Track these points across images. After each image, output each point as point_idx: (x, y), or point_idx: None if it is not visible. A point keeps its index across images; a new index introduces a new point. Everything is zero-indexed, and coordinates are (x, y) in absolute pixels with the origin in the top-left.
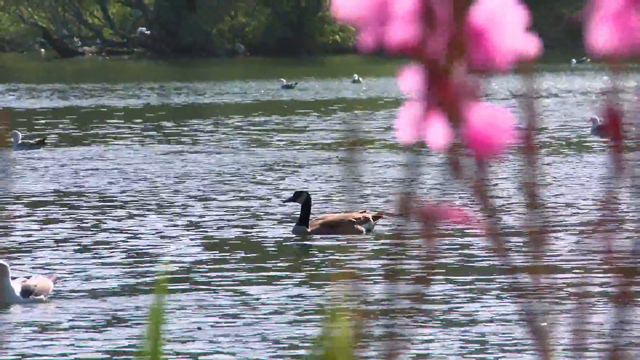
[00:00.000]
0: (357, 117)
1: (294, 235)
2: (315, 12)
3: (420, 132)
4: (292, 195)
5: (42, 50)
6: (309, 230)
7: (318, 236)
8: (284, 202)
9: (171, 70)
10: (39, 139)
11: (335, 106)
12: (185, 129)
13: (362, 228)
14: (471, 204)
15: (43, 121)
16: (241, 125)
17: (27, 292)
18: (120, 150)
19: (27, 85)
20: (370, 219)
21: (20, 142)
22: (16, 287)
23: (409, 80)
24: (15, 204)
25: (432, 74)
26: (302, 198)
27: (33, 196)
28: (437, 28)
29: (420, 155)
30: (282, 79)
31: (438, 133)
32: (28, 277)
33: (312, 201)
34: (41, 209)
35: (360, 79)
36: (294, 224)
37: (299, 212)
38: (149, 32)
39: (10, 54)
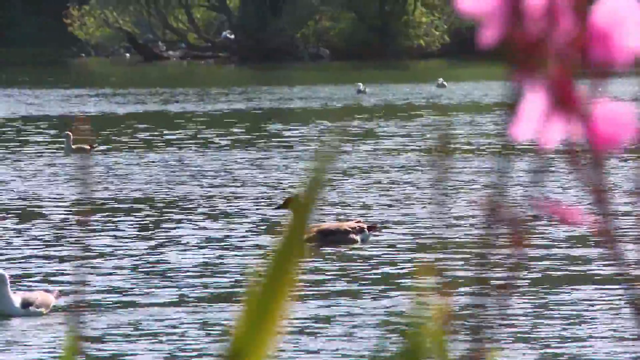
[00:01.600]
0: (443, 122)
1: None
2: (400, 16)
3: (537, 131)
4: (282, 202)
5: (127, 54)
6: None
7: (312, 245)
8: (275, 209)
9: (255, 75)
10: (90, 143)
11: (421, 111)
12: (266, 134)
13: (357, 237)
14: (584, 205)
15: (123, 126)
16: (317, 130)
17: (27, 303)
18: (204, 155)
19: (111, 90)
20: (365, 229)
21: (73, 146)
22: (16, 298)
23: (524, 80)
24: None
25: (552, 73)
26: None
27: (113, 201)
28: (559, 26)
29: (509, 159)
30: (359, 84)
31: (555, 132)
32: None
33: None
34: (111, 214)
35: (445, 83)
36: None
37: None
38: (233, 36)
39: (95, 59)
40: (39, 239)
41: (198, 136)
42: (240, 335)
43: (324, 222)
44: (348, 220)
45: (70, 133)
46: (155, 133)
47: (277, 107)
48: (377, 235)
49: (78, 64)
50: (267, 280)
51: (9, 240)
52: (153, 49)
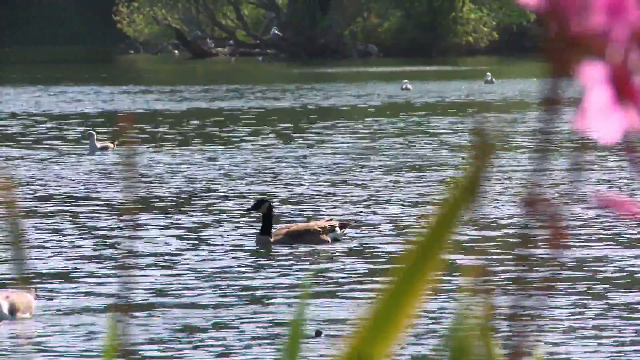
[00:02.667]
0: (490, 119)
1: (258, 247)
2: (448, 13)
3: (598, 124)
4: (253, 204)
5: (176, 51)
6: (272, 240)
7: (283, 246)
8: (246, 211)
9: (303, 72)
10: (115, 140)
11: (466, 108)
12: (315, 131)
13: (327, 237)
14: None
15: (169, 122)
16: (369, 127)
17: (13, 309)
18: (251, 152)
19: (159, 87)
20: (337, 228)
21: (98, 145)
22: (4, 303)
23: (591, 74)
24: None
25: (614, 65)
26: (264, 207)
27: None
28: (624, 19)
29: (552, 156)
30: (404, 81)
31: (616, 125)
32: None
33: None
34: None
35: (494, 79)
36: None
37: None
38: (281, 33)
39: (143, 55)
40: (64, 235)
41: (245, 133)
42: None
43: (293, 223)
44: (319, 220)
45: (93, 132)
46: (204, 130)
47: (324, 104)
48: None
49: (126, 61)
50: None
51: (34, 237)
52: (201, 46)
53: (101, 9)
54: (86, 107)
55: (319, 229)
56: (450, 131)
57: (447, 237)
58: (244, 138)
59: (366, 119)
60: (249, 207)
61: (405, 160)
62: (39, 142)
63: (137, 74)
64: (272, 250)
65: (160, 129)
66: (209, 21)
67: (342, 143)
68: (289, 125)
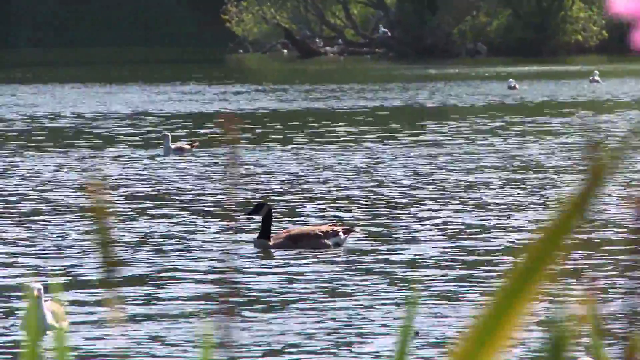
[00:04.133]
0: (593, 118)
1: (256, 250)
2: (558, 11)
3: None
4: (253, 207)
5: (284, 50)
6: (271, 243)
7: (282, 250)
8: (246, 215)
9: (411, 71)
10: (191, 142)
11: (571, 107)
12: (420, 130)
13: (329, 242)
14: None
15: (277, 121)
16: (475, 127)
17: (57, 319)
18: (360, 150)
19: (268, 85)
20: (340, 233)
21: (173, 146)
22: (48, 314)
23: None
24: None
25: None
26: (264, 211)
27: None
28: None
29: None
30: (510, 80)
31: None
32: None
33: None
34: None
35: (599, 79)
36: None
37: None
38: (389, 32)
39: (253, 55)
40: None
41: (353, 132)
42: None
43: (295, 227)
44: (322, 224)
45: (168, 134)
46: (312, 130)
47: (429, 103)
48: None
49: (235, 60)
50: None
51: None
52: (310, 45)
53: (210, 9)
54: (193, 106)
55: (320, 233)
56: (555, 131)
57: (557, 249)
58: (349, 138)
59: (471, 118)
60: (249, 210)
61: (512, 161)
62: (146, 141)
63: (246, 73)
64: (272, 253)
65: (268, 128)
66: (318, 20)
67: (449, 143)
68: (397, 124)
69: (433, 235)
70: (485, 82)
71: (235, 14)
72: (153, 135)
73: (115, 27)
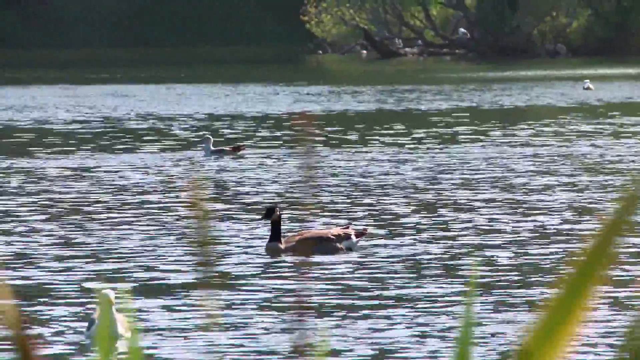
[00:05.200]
0: None
1: (267, 254)
2: (638, 11)
3: None
4: (264, 212)
5: (364, 51)
6: (282, 247)
7: (294, 254)
8: (258, 219)
9: (491, 72)
10: (234, 145)
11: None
12: (500, 131)
13: (341, 246)
14: None
15: (357, 122)
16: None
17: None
18: (441, 150)
19: (347, 87)
20: (353, 236)
21: (213, 148)
22: (118, 322)
23: None
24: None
25: None
26: (276, 215)
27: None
28: None
29: None
30: (585, 81)
31: None
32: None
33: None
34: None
35: None
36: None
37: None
38: (469, 33)
39: (331, 56)
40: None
41: (432, 133)
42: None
43: (308, 230)
44: (335, 227)
45: (210, 136)
46: (392, 130)
47: (506, 104)
48: (368, 241)
49: (314, 61)
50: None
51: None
52: (389, 46)
53: (290, 9)
54: (270, 106)
55: (333, 237)
56: (627, 133)
57: (609, 254)
58: (431, 137)
59: (544, 120)
60: (261, 215)
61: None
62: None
63: (323, 73)
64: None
65: (346, 129)
66: (397, 21)
67: (522, 145)
68: (476, 124)
69: (504, 240)
70: (561, 83)
71: (315, 15)
72: (233, 136)
73: (194, 27)
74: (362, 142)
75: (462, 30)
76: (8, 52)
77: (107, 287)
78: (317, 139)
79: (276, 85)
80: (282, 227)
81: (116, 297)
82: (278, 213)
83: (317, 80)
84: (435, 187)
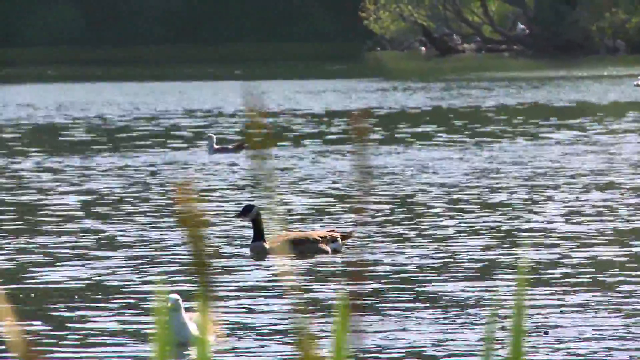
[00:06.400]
0: None
1: (252, 254)
2: None
3: None
4: (241, 210)
5: (422, 48)
6: (267, 246)
7: (278, 255)
8: (235, 217)
9: (549, 68)
10: (236, 143)
11: None
12: (555, 128)
13: (327, 247)
14: None
15: (414, 119)
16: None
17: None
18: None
19: (406, 83)
20: (339, 238)
21: (216, 146)
22: (192, 325)
23: None
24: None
25: None
26: (253, 213)
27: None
28: None
29: None
30: (639, 78)
31: None
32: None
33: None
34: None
35: None
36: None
37: None
38: (527, 29)
39: (390, 52)
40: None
41: (487, 130)
42: None
43: (293, 231)
44: (320, 229)
45: (212, 135)
46: (452, 127)
47: (567, 100)
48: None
49: (373, 58)
50: None
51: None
52: (448, 42)
53: (348, 7)
54: (330, 103)
55: (319, 238)
56: None
57: None
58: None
59: (596, 117)
60: (237, 213)
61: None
62: (295, 140)
63: (381, 70)
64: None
65: (401, 125)
66: (456, 17)
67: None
68: (531, 121)
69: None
70: (617, 80)
71: (373, 12)
72: (296, 133)
73: (250, 24)
74: (419, 138)
75: (520, 26)
76: (70, 49)
77: (170, 290)
78: (371, 137)
79: (335, 81)
80: (261, 225)
81: (184, 300)
82: (257, 211)
83: (375, 76)
84: (490, 184)
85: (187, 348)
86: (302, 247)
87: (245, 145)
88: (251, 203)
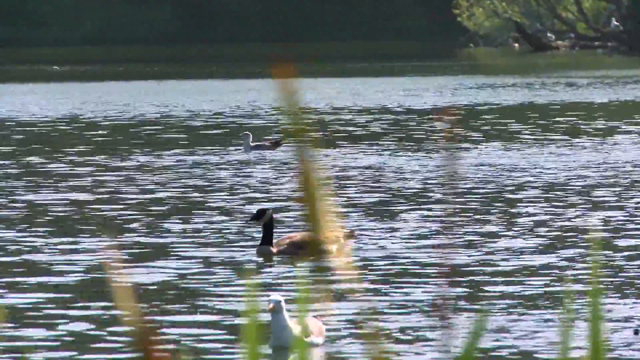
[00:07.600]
0: None
1: (259, 257)
2: None
3: None
4: (254, 213)
5: (516, 44)
6: (274, 250)
7: (285, 257)
8: (248, 221)
9: None
10: (274, 140)
11: None
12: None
13: (332, 248)
14: None
15: (511, 116)
16: None
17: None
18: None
19: (501, 79)
20: (341, 239)
21: (253, 144)
22: (295, 327)
23: None
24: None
25: None
26: (267, 217)
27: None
28: None
29: None
30: None
31: None
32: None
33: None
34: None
35: None
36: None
37: None
38: (621, 26)
39: (483, 49)
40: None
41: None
42: None
43: (296, 233)
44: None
45: (249, 133)
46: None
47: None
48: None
49: (466, 55)
50: None
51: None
52: (542, 39)
53: (441, 3)
54: (423, 100)
55: (324, 239)
56: None
57: None
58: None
59: None
60: (250, 217)
61: None
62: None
63: (474, 66)
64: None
65: (486, 122)
66: (550, 14)
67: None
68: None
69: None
70: None
71: (467, 8)
72: (385, 131)
73: (343, 22)
74: (511, 136)
75: (614, 22)
76: (161, 47)
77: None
78: (458, 135)
79: (428, 77)
80: (272, 229)
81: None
82: (270, 215)
83: (468, 72)
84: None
85: (288, 352)
86: (307, 248)
87: (282, 141)
88: (264, 207)
